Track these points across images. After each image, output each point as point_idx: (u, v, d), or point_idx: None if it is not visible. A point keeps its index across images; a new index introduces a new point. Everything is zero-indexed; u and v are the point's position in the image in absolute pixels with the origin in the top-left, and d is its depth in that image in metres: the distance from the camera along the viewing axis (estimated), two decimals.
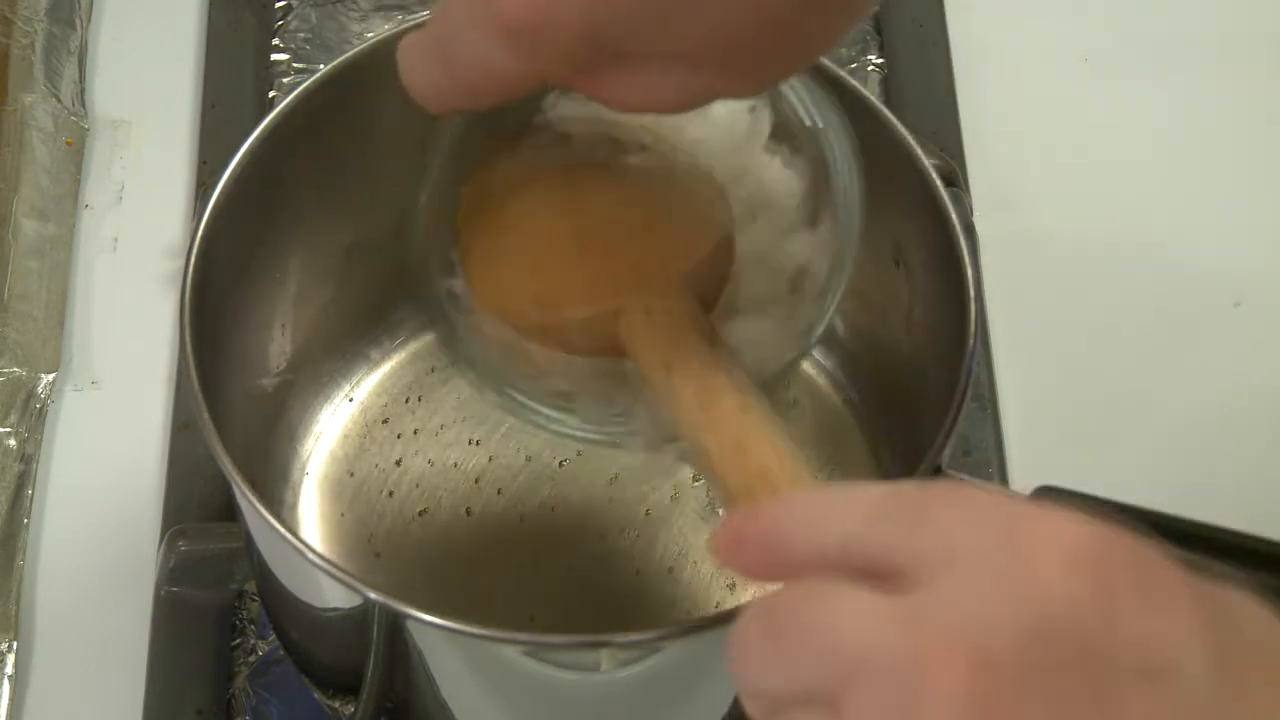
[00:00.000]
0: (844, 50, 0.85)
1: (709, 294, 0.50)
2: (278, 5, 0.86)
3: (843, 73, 0.62)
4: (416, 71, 0.46)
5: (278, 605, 0.62)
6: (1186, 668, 0.34)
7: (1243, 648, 0.35)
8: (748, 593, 0.65)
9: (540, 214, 0.50)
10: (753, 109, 0.52)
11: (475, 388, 0.53)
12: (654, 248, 0.49)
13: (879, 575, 0.36)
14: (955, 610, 0.34)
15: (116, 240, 0.79)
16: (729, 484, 0.44)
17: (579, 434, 0.52)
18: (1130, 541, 0.36)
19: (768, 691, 0.37)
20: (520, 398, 0.52)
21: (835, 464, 0.69)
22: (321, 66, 0.64)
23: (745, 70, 0.44)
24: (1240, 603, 0.37)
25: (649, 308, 0.47)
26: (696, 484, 0.68)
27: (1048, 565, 0.34)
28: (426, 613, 0.52)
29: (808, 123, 0.52)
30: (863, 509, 0.37)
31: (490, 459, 0.69)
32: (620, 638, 0.53)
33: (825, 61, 0.63)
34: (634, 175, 0.50)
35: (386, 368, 0.72)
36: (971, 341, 0.56)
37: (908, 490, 0.37)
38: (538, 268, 0.50)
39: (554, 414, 0.52)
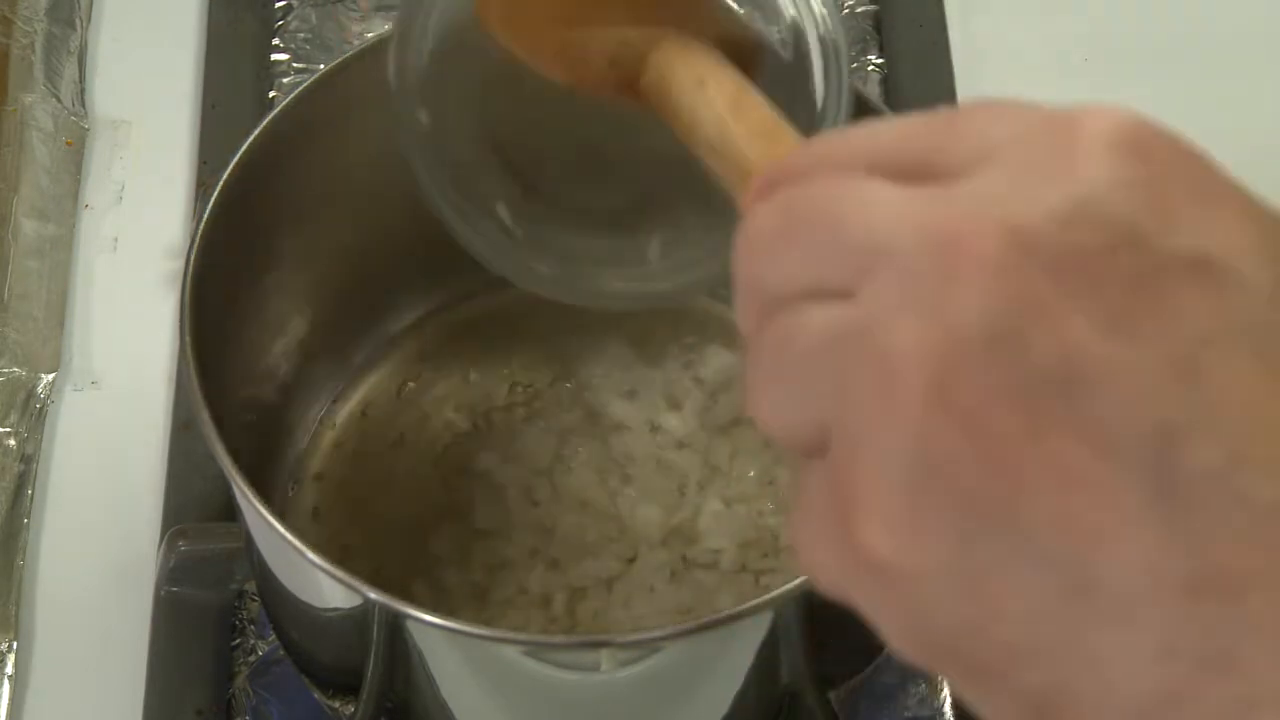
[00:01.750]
0: None
1: None
2: (278, 5, 0.86)
3: None
4: None
5: (278, 605, 0.62)
6: (1245, 272, 0.31)
7: None
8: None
9: None
10: None
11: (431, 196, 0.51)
12: (695, 9, 0.49)
13: (909, 175, 0.33)
14: (990, 193, 0.32)
15: (116, 240, 0.79)
16: (755, 162, 0.41)
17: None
18: (1184, 140, 0.33)
19: (773, 285, 0.34)
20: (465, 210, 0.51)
21: None
22: (321, 66, 0.64)
23: None
24: None
25: (687, 43, 0.47)
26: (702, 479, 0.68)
27: (1093, 150, 0.32)
28: (426, 613, 0.52)
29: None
30: (895, 126, 0.35)
31: (492, 456, 0.69)
32: (620, 638, 0.53)
33: None
34: None
35: (386, 367, 0.71)
36: None
37: (943, 109, 0.35)
38: None
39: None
